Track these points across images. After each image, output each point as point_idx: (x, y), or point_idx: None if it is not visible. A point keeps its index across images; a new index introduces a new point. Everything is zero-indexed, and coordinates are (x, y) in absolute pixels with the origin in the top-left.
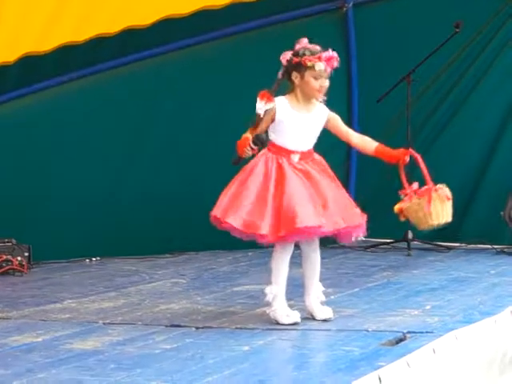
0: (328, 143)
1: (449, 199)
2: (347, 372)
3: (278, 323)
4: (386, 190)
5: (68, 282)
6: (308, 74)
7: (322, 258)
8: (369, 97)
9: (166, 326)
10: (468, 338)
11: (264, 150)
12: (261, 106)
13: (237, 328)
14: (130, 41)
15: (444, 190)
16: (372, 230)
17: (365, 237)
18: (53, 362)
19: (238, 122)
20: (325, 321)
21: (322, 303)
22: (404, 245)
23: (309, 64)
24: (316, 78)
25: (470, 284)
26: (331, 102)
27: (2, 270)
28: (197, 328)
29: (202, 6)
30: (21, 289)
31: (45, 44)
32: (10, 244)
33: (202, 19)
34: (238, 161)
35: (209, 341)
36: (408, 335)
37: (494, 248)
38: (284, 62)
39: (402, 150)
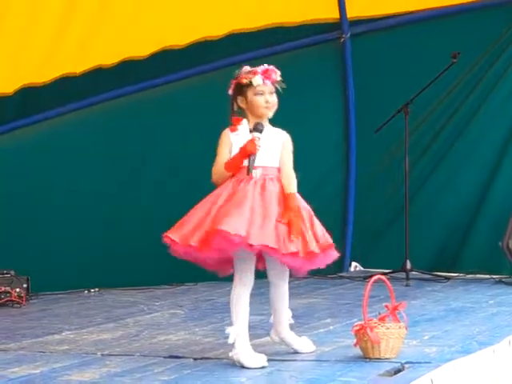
0: (324, 170)
1: (402, 337)
2: None
3: (242, 367)
4: (384, 221)
5: (66, 314)
6: (250, 93)
7: (321, 288)
8: (366, 127)
9: (164, 358)
10: (466, 368)
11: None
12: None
13: None
14: (129, 72)
15: (402, 330)
16: (371, 261)
17: (363, 267)
18: None
19: None
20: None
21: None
22: (402, 275)
23: (245, 81)
24: (258, 95)
25: (469, 314)
26: (329, 133)
27: (1, 301)
28: (195, 359)
29: (201, 37)
30: (19, 320)
31: (43, 75)
32: (9, 275)
33: (200, 50)
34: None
35: (207, 372)
36: (406, 365)
37: (492, 278)
38: (230, 92)
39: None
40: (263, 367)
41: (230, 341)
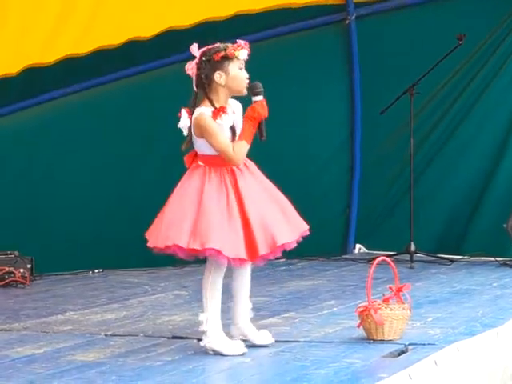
0: (329, 152)
1: (406, 320)
2: None
3: (220, 355)
4: (388, 203)
5: (70, 294)
6: (234, 67)
7: (325, 270)
8: (372, 109)
9: (168, 338)
10: (470, 350)
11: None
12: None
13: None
14: (134, 52)
15: (405, 311)
16: (375, 243)
17: (368, 249)
18: (54, 374)
19: None
20: (264, 346)
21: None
22: (407, 257)
23: (236, 54)
24: (241, 69)
25: (473, 296)
26: (334, 114)
27: (5, 282)
28: (198, 340)
29: (206, 18)
30: (23, 301)
31: (48, 55)
32: (13, 256)
33: (205, 31)
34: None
35: (210, 353)
36: (410, 347)
37: (496, 260)
38: (194, 70)
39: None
40: (243, 354)
41: (204, 328)
